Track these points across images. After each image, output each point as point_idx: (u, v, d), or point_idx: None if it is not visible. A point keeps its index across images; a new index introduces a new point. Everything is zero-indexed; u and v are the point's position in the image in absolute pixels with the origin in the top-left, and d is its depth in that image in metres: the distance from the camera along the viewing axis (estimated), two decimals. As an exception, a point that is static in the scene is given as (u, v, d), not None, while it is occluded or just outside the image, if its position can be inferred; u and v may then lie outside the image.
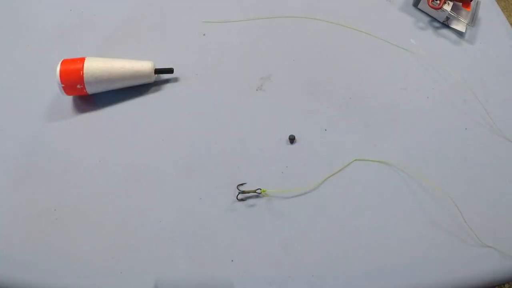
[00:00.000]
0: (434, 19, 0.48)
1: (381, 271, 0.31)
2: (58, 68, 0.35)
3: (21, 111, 0.37)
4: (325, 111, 0.40)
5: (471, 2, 0.47)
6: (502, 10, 0.51)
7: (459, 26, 0.47)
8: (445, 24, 0.48)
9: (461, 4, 0.47)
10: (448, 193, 0.35)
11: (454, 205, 0.35)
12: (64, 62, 0.36)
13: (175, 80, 0.40)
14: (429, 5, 0.46)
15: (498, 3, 0.52)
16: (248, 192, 0.32)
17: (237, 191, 0.33)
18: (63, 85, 0.35)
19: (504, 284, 0.58)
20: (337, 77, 0.42)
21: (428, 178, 0.36)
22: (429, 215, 0.34)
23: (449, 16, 0.47)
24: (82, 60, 0.36)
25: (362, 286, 0.31)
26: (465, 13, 0.47)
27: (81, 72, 0.35)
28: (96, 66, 0.36)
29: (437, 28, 0.48)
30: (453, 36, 0.47)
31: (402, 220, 0.34)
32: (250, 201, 0.33)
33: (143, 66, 0.38)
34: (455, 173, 0.37)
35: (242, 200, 0.33)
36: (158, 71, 0.39)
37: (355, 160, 0.36)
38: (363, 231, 0.33)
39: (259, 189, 0.31)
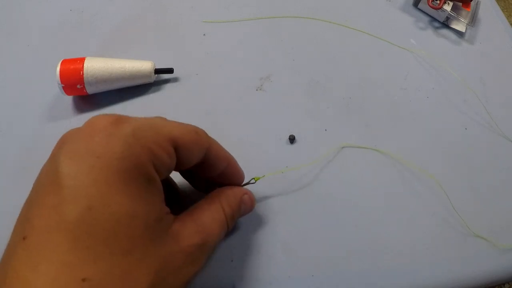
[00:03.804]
0: (434, 19, 0.48)
1: (380, 271, 0.32)
2: (58, 68, 0.35)
3: (21, 111, 0.38)
4: (325, 111, 0.40)
5: (471, 2, 0.47)
6: (502, 10, 0.51)
7: (459, 26, 0.47)
8: (445, 24, 0.48)
9: (461, 4, 0.47)
10: (448, 193, 0.35)
11: (452, 206, 0.35)
12: (64, 62, 0.36)
13: (175, 80, 0.40)
14: (429, 5, 0.46)
15: (498, 3, 0.52)
16: (244, 185, 0.30)
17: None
18: (63, 85, 0.35)
19: (504, 284, 0.58)
20: (337, 77, 0.42)
21: (426, 178, 0.36)
22: (429, 215, 0.34)
23: (449, 16, 0.47)
24: (82, 60, 0.36)
25: (361, 285, 0.31)
26: (465, 13, 0.47)
27: (81, 72, 0.35)
28: (96, 66, 0.36)
29: (437, 28, 0.48)
30: (453, 36, 0.47)
31: (402, 221, 0.34)
32: (250, 201, 0.33)
33: (143, 66, 0.38)
34: (455, 172, 0.37)
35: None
36: (158, 71, 0.39)
37: (344, 146, 0.36)
38: (362, 231, 0.33)
39: (252, 179, 0.30)
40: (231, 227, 0.27)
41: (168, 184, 0.29)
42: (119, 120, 0.20)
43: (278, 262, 0.31)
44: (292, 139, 0.37)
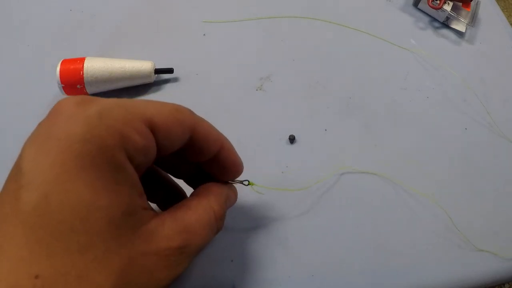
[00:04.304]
0: (434, 19, 0.48)
1: (379, 271, 0.32)
2: (58, 68, 0.35)
3: (21, 111, 0.38)
4: (325, 111, 0.40)
5: (471, 2, 0.47)
6: (502, 10, 0.51)
7: (459, 26, 0.47)
8: (445, 24, 0.48)
9: (461, 4, 0.47)
10: (447, 193, 0.35)
11: (452, 220, 0.35)
12: (64, 62, 0.36)
13: (175, 80, 0.40)
14: (429, 5, 0.46)
15: (498, 3, 0.52)
16: (235, 182, 0.28)
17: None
18: (63, 85, 0.35)
19: (504, 284, 0.58)
20: (337, 77, 0.42)
21: (427, 178, 0.36)
22: (429, 214, 0.34)
23: (449, 16, 0.47)
24: (82, 60, 0.36)
25: (361, 285, 0.31)
26: (465, 13, 0.47)
27: (81, 72, 0.35)
28: (96, 66, 0.36)
29: (437, 28, 0.48)
30: (453, 36, 0.47)
31: (402, 221, 0.34)
32: (250, 201, 0.33)
33: (143, 66, 0.38)
34: (455, 173, 0.37)
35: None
36: (158, 71, 0.39)
37: (342, 169, 0.36)
38: (363, 231, 0.33)
39: (246, 180, 0.29)
40: (220, 228, 0.24)
41: (163, 180, 0.27)
42: (85, 100, 0.18)
43: (278, 262, 0.31)
44: (292, 139, 0.37)
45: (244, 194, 0.33)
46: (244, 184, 0.29)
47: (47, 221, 0.15)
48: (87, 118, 0.17)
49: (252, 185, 0.29)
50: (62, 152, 0.16)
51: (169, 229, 0.20)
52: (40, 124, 0.18)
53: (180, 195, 0.28)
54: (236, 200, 0.27)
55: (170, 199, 0.25)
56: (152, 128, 0.19)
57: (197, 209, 0.22)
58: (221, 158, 0.24)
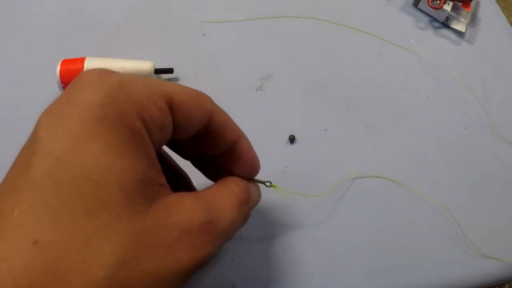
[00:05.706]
0: (434, 19, 0.48)
1: (380, 271, 0.32)
2: (58, 68, 0.35)
3: (21, 111, 0.38)
4: (325, 111, 0.40)
5: (471, 2, 0.47)
6: (502, 10, 0.51)
7: (459, 26, 0.47)
8: (445, 24, 0.48)
9: (461, 4, 0.47)
10: (446, 194, 0.35)
11: (453, 215, 0.35)
12: (64, 62, 0.36)
13: (175, 80, 0.40)
14: (429, 5, 0.46)
15: (498, 3, 0.52)
16: (257, 181, 0.27)
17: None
18: (63, 85, 0.35)
19: (504, 284, 0.58)
20: (337, 77, 0.42)
21: (426, 179, 0.36)
22: (429, 213, 0.34)
23: (449, 16, 0.47)
24: (82, 60, 0.36)
25: (361, 285, 0.31)
26: (465, 13, 0.47)
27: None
28: (96, 66, 0.36)
29: (437, 28, 0.48)
30: (453, 36, 0.47)
31: (403, 221, 0.34)
32: (250, 201, 0.33)
33: (143, 66, 0.38)
34: (455, 173, 0.37)
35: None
36: (158, 71, 0.39)
37: (355, 175, 0.36)
38: (364, 233, 0.33)
39: (268, 181, 0.27)
40: (247, 215, 0.23)
41: (169, 166, 0.26)
42: (107, 72, 0.18)
43: (278, 262, 0.31)
44: (292, 139, 0.37)
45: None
46: (266, 185, 0.27)
47: (56, 186, 0.15)
48: (108, 85, 0.17)
49: (275, 187, 0.28)
50: (80, 117, 0.16)
51: (191, 203, 0.18)
52: (60, 95, 0.18)
53: (186, 182, 0.27)
54: (260, 199, 0.26)
55: (175, 185, 0.24)
56: (171, 106, 0.19)
57: (219, 191, 0.21)
58: (238, 150, 0.23)
